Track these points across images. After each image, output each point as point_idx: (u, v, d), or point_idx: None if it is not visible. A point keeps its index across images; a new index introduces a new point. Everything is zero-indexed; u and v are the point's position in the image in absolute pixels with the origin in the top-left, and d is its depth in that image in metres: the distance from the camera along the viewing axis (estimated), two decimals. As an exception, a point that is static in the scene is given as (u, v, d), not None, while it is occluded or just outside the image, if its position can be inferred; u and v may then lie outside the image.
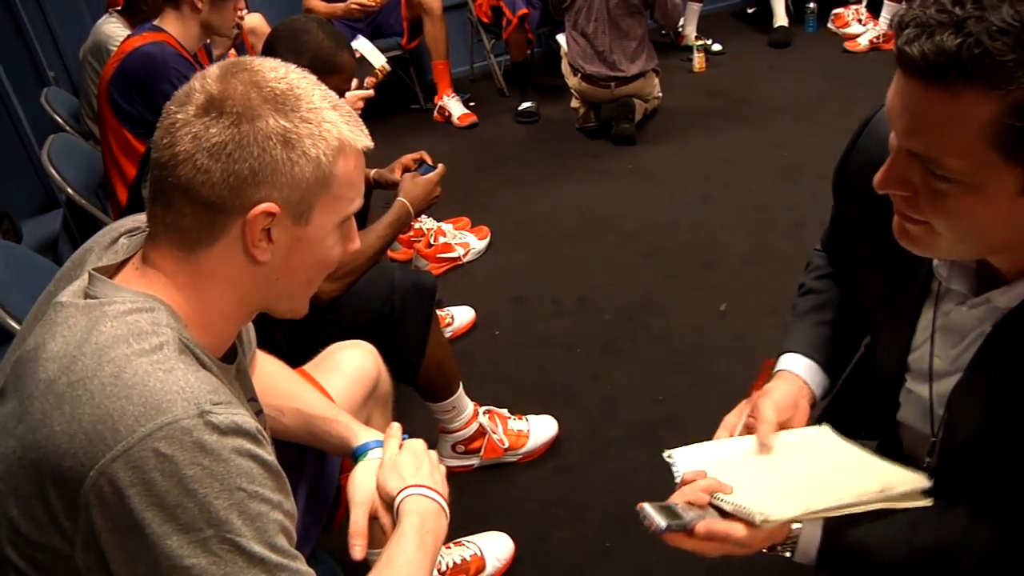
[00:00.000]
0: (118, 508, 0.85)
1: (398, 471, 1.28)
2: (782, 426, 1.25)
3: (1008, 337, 1.06)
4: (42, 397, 0.89)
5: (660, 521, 1.12)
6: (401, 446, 1.34)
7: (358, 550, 1.23)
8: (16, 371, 0.95)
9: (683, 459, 1.24)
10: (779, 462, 1.21)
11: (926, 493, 1.11)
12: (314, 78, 1.04)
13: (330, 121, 1.00)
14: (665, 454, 1.25)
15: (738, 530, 1.12)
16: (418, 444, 1.35)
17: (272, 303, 1.10)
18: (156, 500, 0.85)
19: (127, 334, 0.92)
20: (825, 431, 1.27)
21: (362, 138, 1.04)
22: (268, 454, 0.95)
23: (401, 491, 1.25)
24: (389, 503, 1.26)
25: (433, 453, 1.35)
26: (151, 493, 0.85)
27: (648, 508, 1.14)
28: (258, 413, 1.22)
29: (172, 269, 1.01)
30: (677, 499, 1.17)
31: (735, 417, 1.29)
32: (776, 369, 1.34)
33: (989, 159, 0.87)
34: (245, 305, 1.07)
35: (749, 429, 1.26)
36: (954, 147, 0.88)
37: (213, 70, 1.00)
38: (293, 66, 1.03)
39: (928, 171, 0.92)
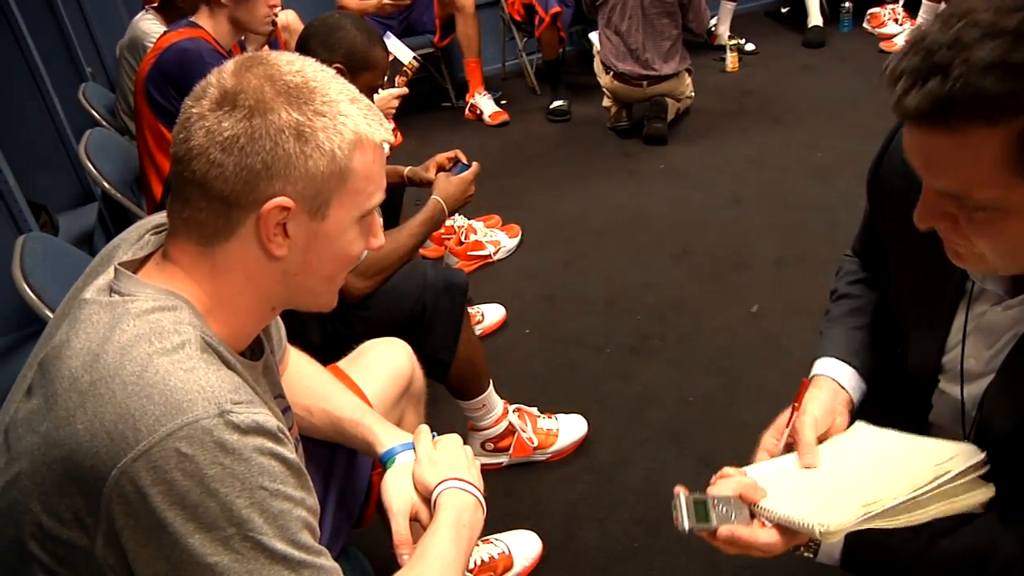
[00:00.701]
0: (140, 507, 0.86)
1: (435, 465, 1.28)
2: (821, 438, 1.23)
3: None
4: (65, 395, 0.90)
5: (685, 522, 1.13)
6: (435, 443, 1.34)
7: (407, 559, 1.22)
8: (42, 368, 0.95)
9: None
10: (827, 471, 1.19)
11: (983, 477, 1.10)
12: (332, 72, 1.02)
13: (346, 114, 0.98)
14: (722, 472, 1.22)
15: (761, 536, 1.13)
16: (454, 439, 1.35)
17: (294, 299, 1.09)
18: (178, 499, 0.85)
19: (149, 333, 0.92)
20: (861, 427, 1.25)
21: (381, 131, 1.02)
22: (289, 452, 0.95)
23: (438, 484, 1.25)
24: (427, 497, 1.26)
25: (468, 448, 1.35)
26: (173, 493, 0.85)
27: (682, 499, 1.14)
28: (284, 410, 1.22)
29: (191, 264, 1.01)
30: (719, 490, 1.18)
31: (773, 438, 1.25)
32: (812, 374, 1.32)
33: (1014, 182, 0.88)
34: (266, 300, 1.06)
35: (789, 448, 1.24)
36: (976, 181, 0.90)
37: (229, 65, 0.99)
38: (311, 60, 1.02)
39: (961, 203, 0.94)
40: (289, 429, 1.18)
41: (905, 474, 1.10)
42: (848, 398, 1.29)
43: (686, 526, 1.12)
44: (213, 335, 0.99)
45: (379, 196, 1.06)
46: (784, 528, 1.13)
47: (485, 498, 1.28)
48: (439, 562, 1.14)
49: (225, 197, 0.96)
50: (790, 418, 1.23)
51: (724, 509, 1.15)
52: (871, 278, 1.42)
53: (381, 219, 1.13)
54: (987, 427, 1.15)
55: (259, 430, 0.91)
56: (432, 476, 1.27)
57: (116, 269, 0.99)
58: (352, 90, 1.02)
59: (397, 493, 1.29)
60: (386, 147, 1.05)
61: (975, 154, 0.87)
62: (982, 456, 1.09)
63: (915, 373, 1.28)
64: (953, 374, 1.21)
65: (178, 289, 0.99)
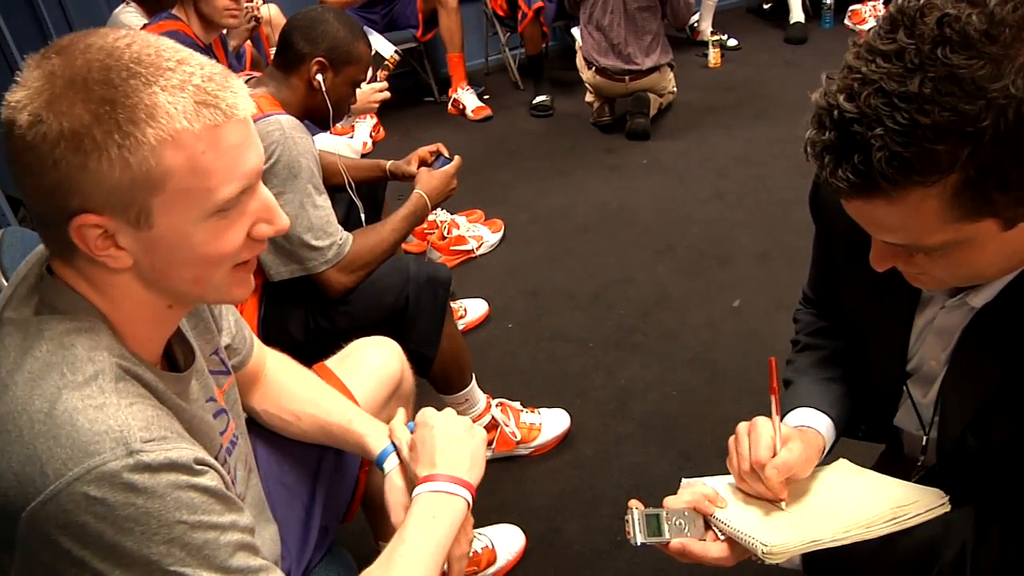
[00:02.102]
0: (54, 550, 0.83)
1: (411, 466, 1.29)
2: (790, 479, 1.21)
3: (982, 331, 1.07)
4: None
5: (637, 536, 1.16)
6: (413, 436, 1.33)
7: None
8: None
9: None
10: (789, 495, 1.20)
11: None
12: (154, 45, 0.86)
13: (149, 105, 0.82)
14: (683, 482, 1.25)
15: (711, 551, 1.16)
16: (424, 423, 1.33)
17: (182, 299, 0.99)
18: (92, 541, 0.83)
19: (61, 362, 0.87)
20: (843, 464, 1.27)
21: (209, 115, 0.85)
22: (209, 480, 0.90)
23: (413, 490, 1.26)
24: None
25: (445, 416, 1.34)
26: (86, 535, 0.82)
27: (635, 514, 1.18)
28: (217, 414, 1.15)
29: (69, 277, 0.94)
30: (674, 502, 1.21)
31: (769, 436, 1.20)
32: (796, 423, 1.28)
33: (960, 226, 0.88)
34: (150, 305, 0.96)
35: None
36: (924, 232, 0.90)
37: (35, 57, 0.85)
38: (129, 36, 0.86)
39: (915, 248, 0.95)
40: (223, 433, 1.15)
41: (862, 512, 1.11)
42: (823, 446, 1.27)
43: (638, 540, 1.16)
44: (131, 356, 0.93)
45: (231, 187, 0.88)
46: (735, 542, 1.15)
47: (462, 480, 1.27)
48: (402, 558, 1.15)
49: (42, 218, 0.88)
50: (776, 408, 1.22)
51: (678, 522, 1.18)
52: (829, 327, 1.42)
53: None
54: (945, 424, 1.17)
55: (172, 466, 0.86)
56: (408, 486, 1.29)
57: (40, 274, 0.95)
58: (176, 64, 0.85)
59: (397, 507, 1.30)
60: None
61: (917, 212, 0.87)
62: (944, 500, 1.10)
63: (879, 381, 1.29)
64: (917, 379, 1.22)
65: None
